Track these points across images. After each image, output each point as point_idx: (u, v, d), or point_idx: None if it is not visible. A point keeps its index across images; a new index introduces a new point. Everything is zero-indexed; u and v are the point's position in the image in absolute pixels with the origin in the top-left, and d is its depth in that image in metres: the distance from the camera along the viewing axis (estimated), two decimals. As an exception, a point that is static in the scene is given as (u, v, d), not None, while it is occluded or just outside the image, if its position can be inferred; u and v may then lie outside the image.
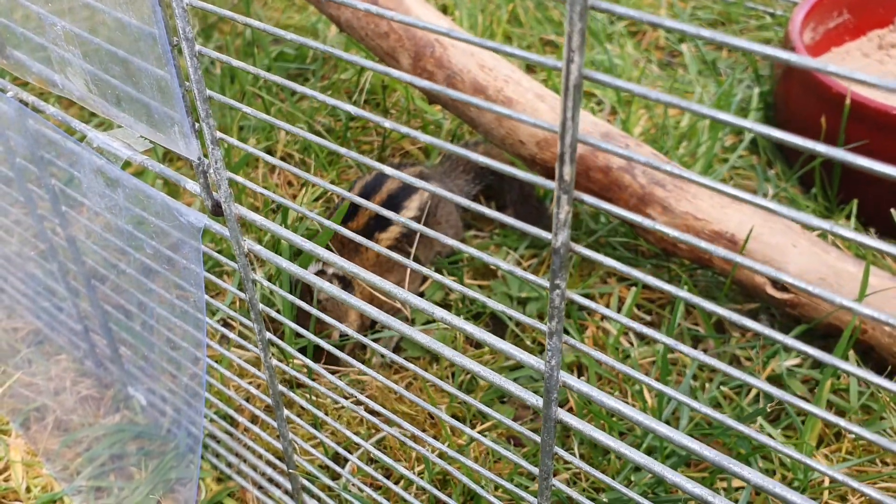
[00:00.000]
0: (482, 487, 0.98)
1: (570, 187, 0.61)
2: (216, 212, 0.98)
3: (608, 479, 0.80)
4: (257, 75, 0.83)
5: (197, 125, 0.91)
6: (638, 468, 1.36)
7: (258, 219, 0.97)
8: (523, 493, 0.90)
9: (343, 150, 0.80)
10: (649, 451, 1.38)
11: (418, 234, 1.71)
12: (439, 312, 0.84)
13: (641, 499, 0.80)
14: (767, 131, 0.52)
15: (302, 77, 2.42)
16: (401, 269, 1.72)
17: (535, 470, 0.86)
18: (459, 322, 0.83)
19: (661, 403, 1.41)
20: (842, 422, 0.59)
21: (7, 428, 1.56)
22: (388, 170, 0.78)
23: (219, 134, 0.90)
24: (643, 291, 1.73)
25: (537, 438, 0.83)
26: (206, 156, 0.94)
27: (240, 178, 0.93)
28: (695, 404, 0.68)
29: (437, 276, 0.81)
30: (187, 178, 1.02)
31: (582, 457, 1.39)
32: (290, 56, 2.46)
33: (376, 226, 1.67)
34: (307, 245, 0.93)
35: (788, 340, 0.60)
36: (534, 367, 0.78)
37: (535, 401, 0.80)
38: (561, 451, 0.82)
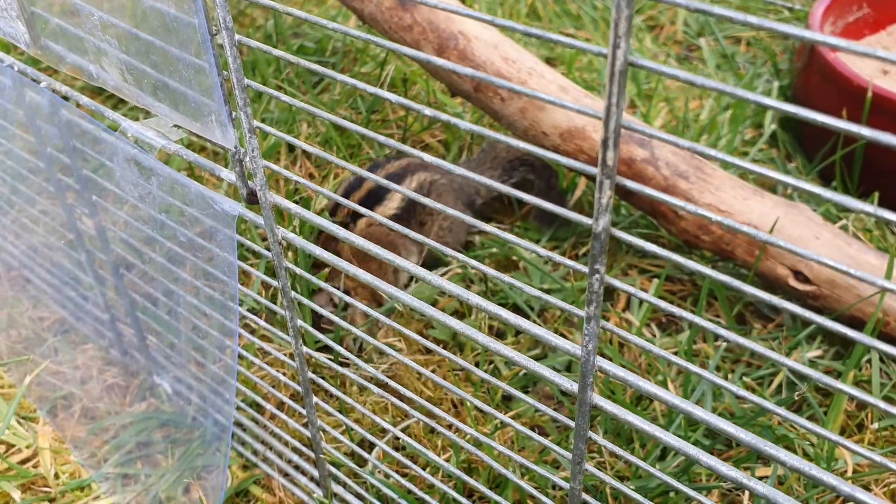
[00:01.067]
0: (511, 472, 0.99)
1: (612, 172, 0.62)
2: (251, 200, 1.00)
3: (640, 462, 0.81)
4: (296, 64, 0.84)
5: (234, 114, 0.92)
6: (662, 457, 1.37)
7: (293, 207, 0.98)
8: (555, 478, 0.91)
9: (372, 134, 0.81)
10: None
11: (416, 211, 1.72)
12: (474, 299, 0.85)
13: (674, 481, 0.81)
14: (803, 112, 0.53)
15: (322, 70, 2.43)
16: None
17: (568, 454, 0.87)
18: (494, 307, 0.84)
19: (685, 392, 1.41)
20: (881, 403, 0.60)
21: (35, 415, 1.58)
22: (414, 152, 0.79)
23: (256, 122, 0.91)
24: (664, 284, 1.74)
25: (570, 423, 0.84)
26: (242, 145, 0.95)
27: (275, 167, 0.95)
28: (730, 386, 0.69)
29: (461, 255, 0.82)
30: (221, 167, 1.04)
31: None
32: (310, 49, 2.48)
33: (358, 215, 1.68)
34: (342, 233, 0.94)
35: (824, 320, 0.60)
36: (570, 352, 0.79)
37: (570, 385, 0.81)
38: (595, 436, 0.83)
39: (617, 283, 0.70)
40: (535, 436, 0.91)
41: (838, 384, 0.64)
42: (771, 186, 1.94)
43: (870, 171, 1.89)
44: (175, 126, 1.10)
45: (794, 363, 0.65)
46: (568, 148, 1.62)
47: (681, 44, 2.64)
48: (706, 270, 0.66)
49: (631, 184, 0.63)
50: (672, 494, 1.31)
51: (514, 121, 1.66)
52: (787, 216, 1.54)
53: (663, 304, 0.69)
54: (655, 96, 2.26)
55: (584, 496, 0.89)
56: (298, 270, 1.04)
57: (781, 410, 0.67)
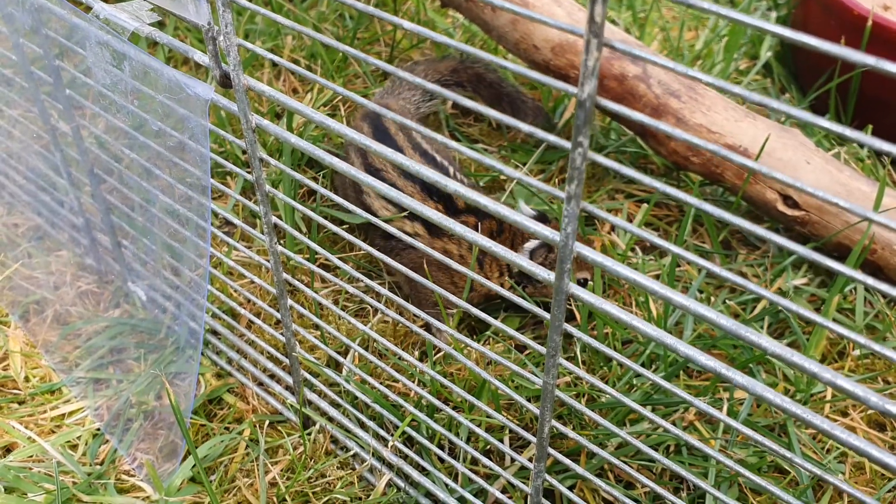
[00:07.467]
0: (488, 373, 0.97)
1: (600, 30, 0.58)
2: (224, 84, 0.96)
3: (618, 356, 0.79)
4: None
5: (207, -12, 0.88)
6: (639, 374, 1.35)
7: (267, 90, 0.94)
8: (528, 374, 0.89)
9: (353, 52, 0.77)
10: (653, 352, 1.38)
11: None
12: (460, 229, 0.82)
13: (658, 378, 0.79)
14: (788, 33, 0.49)
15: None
16: None
17: (542, 349, 0.85)
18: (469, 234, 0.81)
19: (666, 312, 1.40)
20: (853, 334, 0.58)
21: (6, 320, 1.55)
22: (402, 73, 0.75)
23: (230, -4, 0.87)
24: (652, 209, 1.71)
25: (546, 315, 0.82)
26: (216, 23, 0.91)
27: (250, 45, 0.90)
28: (703, 309, 0.66)
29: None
30: (194, 49, 0.99)
31: (583, 363, 1.39)
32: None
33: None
34: (317, 116, 0.91)
35: (802, 250, 0.58)
36: (548, 237, 0.76)
37: (547, 275, 0.79)
38: (570, 328, 0.80)
39: (600, 158, 0.67)
40: (510, 330, 0.89)
41: (817, 317, 0.61)
42: (764, 115, 1.91)
43: (864, 104, 1.86)
44: (149, 11, 1.05)
45: (773, 295, 0.63)
46: (559, 63, 1.58)
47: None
48: (689, 199, 0.63)
49: (620, 45, 0.59)
50: (649, 409, 1.30)
51: (504, 33, 1.61)
52: (779, 139, 1.51)
53: (644, 234, 0.66)
54: (649, 23, 2.21)
55: (558, 393, 0.86)
56: (274, 162, 1.01)
57: (747, 331, 0.65)
